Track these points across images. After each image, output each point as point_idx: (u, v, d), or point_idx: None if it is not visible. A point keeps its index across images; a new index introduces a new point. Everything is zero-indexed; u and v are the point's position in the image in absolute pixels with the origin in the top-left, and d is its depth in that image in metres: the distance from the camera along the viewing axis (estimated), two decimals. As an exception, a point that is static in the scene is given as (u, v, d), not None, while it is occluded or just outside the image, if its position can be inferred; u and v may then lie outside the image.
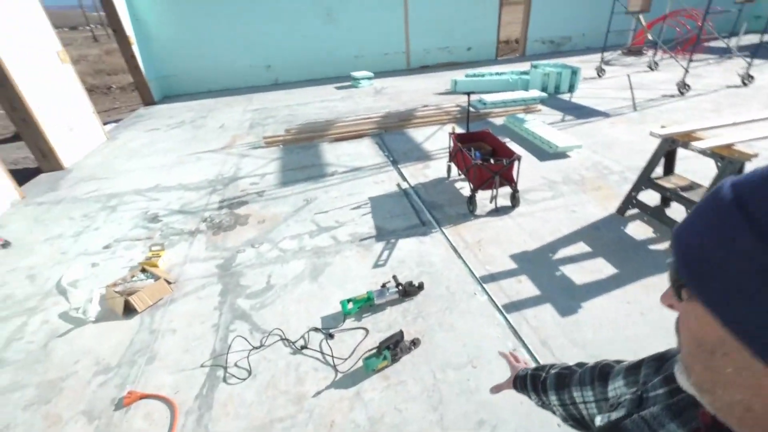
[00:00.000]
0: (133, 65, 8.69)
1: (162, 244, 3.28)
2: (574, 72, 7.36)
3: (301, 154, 5.35)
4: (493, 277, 2.76)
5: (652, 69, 8.82)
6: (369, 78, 9.47)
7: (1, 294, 2.93)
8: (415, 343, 2.21)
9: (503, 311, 2.44)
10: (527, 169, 4.31)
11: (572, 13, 11.77)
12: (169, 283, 2.85)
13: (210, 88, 10.22)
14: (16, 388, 2.15)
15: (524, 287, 2.65)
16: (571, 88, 7.45)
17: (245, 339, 2.36)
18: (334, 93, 8.93)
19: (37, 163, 5.38)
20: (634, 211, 3.40)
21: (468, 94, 4.34)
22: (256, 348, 2.29)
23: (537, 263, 2.88)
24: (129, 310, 2.61)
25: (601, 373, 0.68)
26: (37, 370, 2.26)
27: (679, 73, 7.46)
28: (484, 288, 2.66)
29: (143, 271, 2.92)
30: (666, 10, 9.36)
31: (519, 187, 3.71)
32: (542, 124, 5.44)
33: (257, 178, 4.64)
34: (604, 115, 6.05)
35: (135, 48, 8.58)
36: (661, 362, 0.53)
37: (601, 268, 2.76)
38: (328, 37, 10.34)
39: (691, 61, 6.70)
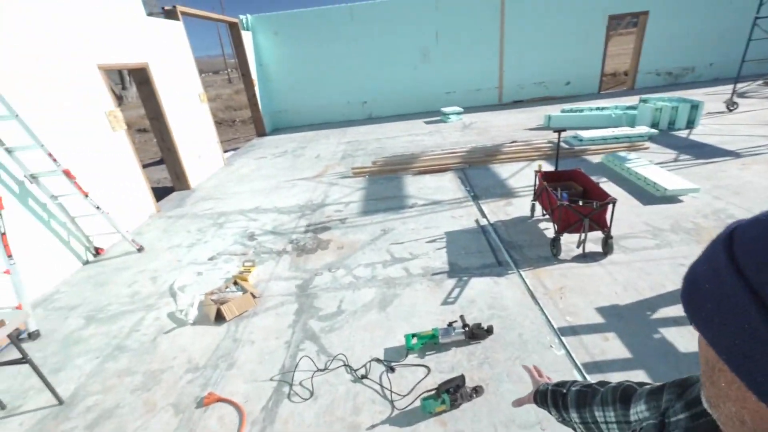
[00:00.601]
0: (253, 102, 10.17)
1: (254, 260, 3.68)
2: (695, 106, 6.48)
3: (385, 185, 5.58)
4: (574, 330, 2.49)
5: (804, 103, 7.33)
6: (458, 113, 9.59)
7: (131, 290, 3.57)
8: (477, 390, 2.08)
9: (583, 370, 2.17)
10: (626, 213, 3.86)
11: (696, 41, 10.51)
12: (254, 297, 3.16)
13: (312, 122, 11.38)
14: (129, 373, 2.56)
15: (611, 346, 2.33)
16: (690, 124, 6.55)
17: (312, 360, 2.48)
18: (423, 127, 9.21)
19: (172, 183, 6.53)
20: None
21: (559, 131, 4.11)
22: (321, 370, 2.39)
23: (630, 321, 2.52)
24: (219, 318, 2.95)
25: (624, 394, 0.68)
26: (146, 359, 2.67)
27: None
28: (562, 341, 2.40)
29: (235, 283, 3.29)
30: (826, 32, 7.77)
31: (614, 233, 3.34)
32: (649, 163, 4.86)
33: (342, 206, 4.96)
34: (734, 155, 5.17)
35: (256, 88, 10.06)
36: (683, 388, 0.52)
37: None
38: (422, 74, 10.84)
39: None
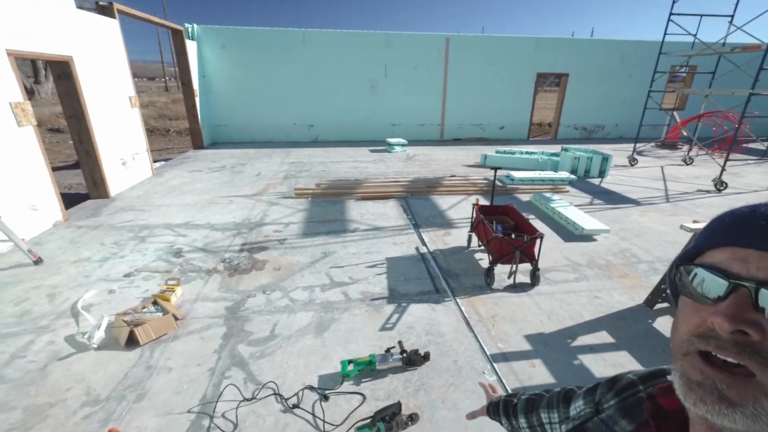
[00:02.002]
0: (192, 113, 9.63)
1: (178, 279, 3.35)
2: (605, 158, 7.44)
3: (328, 208, 5.52)
4: (505, 357, 2.59)
5: (686, 163, 8.80)
6: (402, 145, 9.96)
7: (19, 309, 3.02)
8: (413, 418, 2.04)
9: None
10: (550, 248, 4.21)
11: (606, 104, 12.25)
12: (176, 318, 2.86)
13: (254, 139, 11.04)
14: (4, 409, 2.12)
15: (538, 372, 2.45)
16: (602, 173, 7.49)
17: (238, 388, 2.26)
18: (368, 155, 9.39)
19: (87, 190, 5.83)
20: (664, 305, 3.19)
21: (495, 168, 4.45)
22: (247, 400, 2.19)
23: (554, 347, 2.70)
24: (132, 341, 2.61)
25: (566, 396, 0.76)
26: (29, 392, 2.23)
27: (715, 170, 7.39)
28: (494, 367, 2.48)
29: (155, 303, 2.95)
30: (701, 109, 9.55)
31: (540, 266, 3.61)
32: (569, 204, 5.41)
33: (281, 226, 4.78)
34: (635, 202, 5.97)
35: (197, 99, 9.57)
36: (613, 382, 0.61)
37: (624, 363, 2.54)
38: (370, 105, 11.18)
39: (728, 159, 6.66)
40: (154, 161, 7.73)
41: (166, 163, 8.42)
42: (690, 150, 9.17)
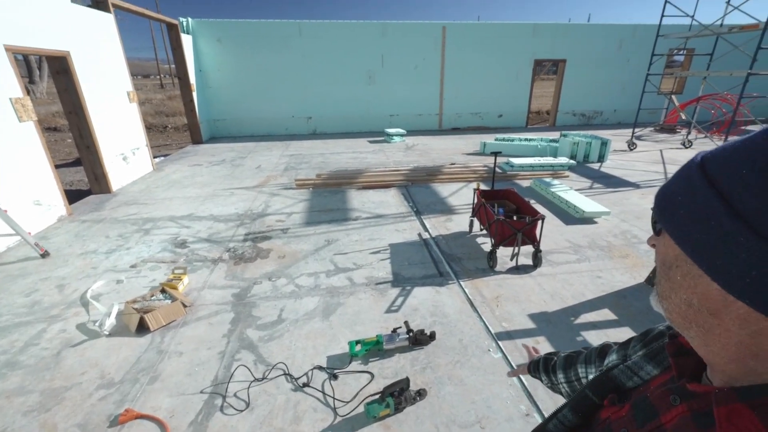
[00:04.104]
0: (190, 108, 9.61)
1: (185, 268, 3.39)
2: (604, 143, 7.45)
3: (329, 197, 5.54)
4: (509, 335, 2.64)
5: (685, 147, 8.80)
6: (401, 135, 9.95)
7: (29, 300, 3.07)
8: (420, 393, 2.10)
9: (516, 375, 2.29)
10: (552, 231, 4.25)
11: (604, 90, 12.20)
12: (184, 306, 2.90)
13: (254, 133, 11.03)
14: (22, 393, 2.17)
15: (542, 349, 2.47)
16: (601, 158, 7.50)
17: (249, 369, 2.32)
18: (367, 146, 9.39)
19: (89, 186, 5.85)
20: (665, 282, 3.23)
21: (495, 154, 4.47)
22: (258, 380, 2.24)
23: (557, 326, 2.75)
24: (142, 328, 2.65)
25: (602, 351, 0.78)
26: (45, 377, 2.29)
27: (713, 152, 7.39)
28: (499, 345, 2.53)
29: (162, 291, 3.00)
30: (699, 92, 9.53)
31: (542, 248, 3.65)
32: (569, 189, 5.44)
33: (284, 216, 4.81)
34: (635, 186, 6.00)
35: (194, 94, 9.54)
36: (645, 335, 0.63)
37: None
38: (367, 96, 11.14)
39: (727, 141, 6.66)
40: (154, 157, 7.73)
41: (166, 158, 8.42)
42: (689, 133, 9.17)
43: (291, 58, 10.40)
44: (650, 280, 3.26)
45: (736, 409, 0.37)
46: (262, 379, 2.25)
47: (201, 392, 2.16)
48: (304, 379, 2.24)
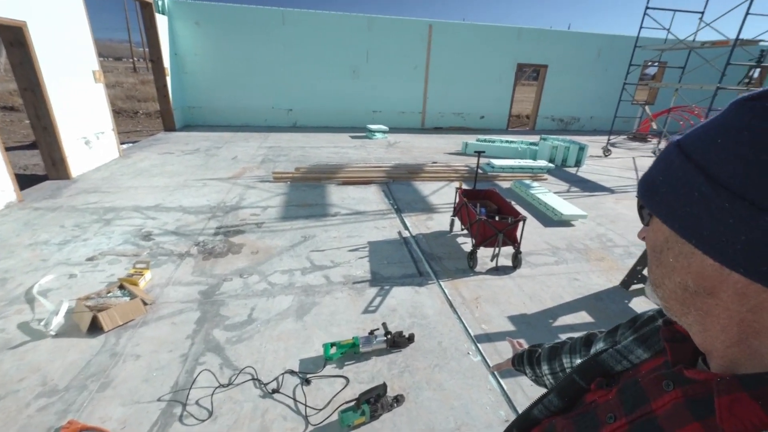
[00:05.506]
0: (163, 94, 9.13)
1: (148, 262, 3.14)
2: (582, 148, 7.58)
3: (307, 192, 5.35)
4: (489, 338, 2.57)
5: (656, 155, 9.08)
6: (383, 132, 9.83)
7: (-33, 294, 2.76)
8: (398, 399, 1.99)
9: (497, 376, 2.23)
10: (531, 233, 4.24)
11: (582, 97, 12.48)
12: (145, 303, 2.68)
13: (231, 122, 10.62)
14: (-52, 400, 1.92)
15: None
16: (578, 163, 7.63)
17: (213, 374, 2.14)
18: (349, 141, 9.21)
19: (45, 171, 5.42)
20: (639, 285, 3.26)
21: (479, 153, 4.41)
22: (223, 386, 2.07)
23: (536, 328, 2.70)
24: (95, 328, 2.42)
25: (587, 340, 0.76)
26: (-22, 381, 2.03)
27: (683, 161, 7.65)
28: (478, 348, 2.46)
29: (121, 287, 2.76)
30: (671, 103, 9.88)
31: (521, 249, 3.62)
32: (548, 191, 5.47)
33: (259, 210, 4.60)
34: (609, 191, 6.11)
35: (168, 79, 9.07)
36: (633, 321, 0.61)
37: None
38: (351, 91, 10.94)
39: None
40: (122, 143, 7.29)
41: (135, 144, 7.96)
42: (659, 142, 9.49)
43: (273, 47, 10.07)
44: (626, 283, 3.28)
45: (739, 399, 0.34)
46: (228, 384, 2.08)
47: (158, 400, 1.97)
48: (273, 385, 2.09)
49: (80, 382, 2.06)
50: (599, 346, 0.67)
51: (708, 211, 0.34)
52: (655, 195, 0.41)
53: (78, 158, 5.65)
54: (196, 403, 1.96)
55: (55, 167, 5.35)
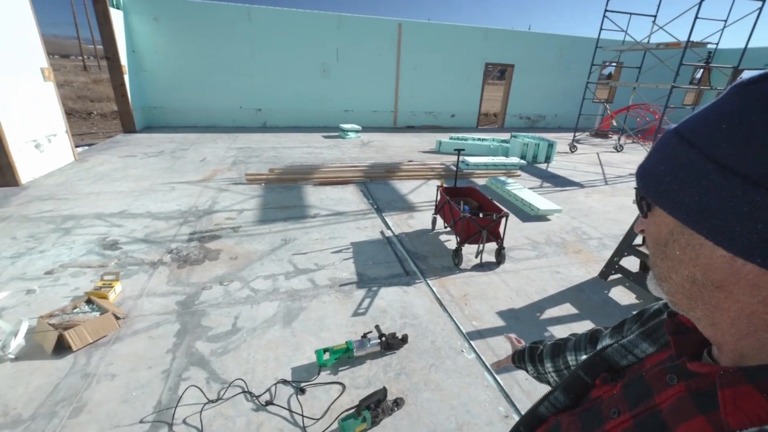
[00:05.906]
0: (121, 93, 8.60)
1: (117, 273, 2.92)
2: (551, 145, 7.84)
3: (284, 193, 5.20)
4: (480, 334, 2.58)
5: (617, 150, 9.57)
6: (357, 131, 9.74)
7: None
8: (398, 403, 1.94)
9: (493, 372, 2.23)
10: (510, 228, 4.31)
11: (547, 96, 12.94)
12: (117, 318, 2.48)
13: (196, 123, 10.17)
14: None
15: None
16: (548, 159, 7.89)
17: (200, 390, 2.00)
18: (322, 141, 9.06)
19: (-9, 177, 4.94)
20: (617, 276, 3.39)
21: (459, 151, 4.44)
22: (212, 401, 1.94)
23: (525, 322, 2.74)
24: (62, 348, 2.21)
25: (592, 337, 0.74)
26: (-75, 416, 1.80)
27: (642, 156, 8.09)
28: (471, 345, 2.46)
29: (89, 302, 2.54)
30: (630, 102, 10.43)
31: (503, 245, 3.67)
32: (523, 187, 5.61)
33: (234, 214, 4.41)
34: (579, 185, 6.35)
35: (126, 77, 8.55)
36: (640, 316, 0.60)
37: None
38: (322, 90, 10.77)
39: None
40: (77, 146, 6.78)
41: (91, 147, 7.44)
42: (620, 139, 10.00)
43: (239, 45, 9.72)
44: (604, 274, 3.40)
45: (744, 392, 0.34)
46: (217, 399, 1.95)
47: (141, 422, 1.82)
48: (266, 396, 1.98)
49: (48, 409, 1.86)
50: (605, 342, 0.66)
51: (718, 199, 0.33)
52: (658, 185, 0.39)
53: (28, 163, 5.19)
54: (184, 422, 1.83)
55: (2, 173, 4.89)
